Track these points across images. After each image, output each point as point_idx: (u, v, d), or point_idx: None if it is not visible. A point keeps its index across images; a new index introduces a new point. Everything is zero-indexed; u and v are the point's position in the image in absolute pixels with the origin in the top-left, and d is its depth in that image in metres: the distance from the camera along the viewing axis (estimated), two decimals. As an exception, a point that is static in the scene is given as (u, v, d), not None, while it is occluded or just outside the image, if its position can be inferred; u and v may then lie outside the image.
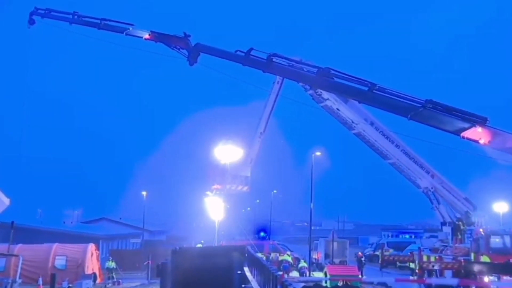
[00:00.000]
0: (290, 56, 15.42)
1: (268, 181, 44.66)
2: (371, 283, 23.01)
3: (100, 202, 77.24)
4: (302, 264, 26.88)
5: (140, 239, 42.87)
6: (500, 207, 28.08)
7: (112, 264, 27.25)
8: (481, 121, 11.73)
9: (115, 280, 26.63)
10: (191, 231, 44.18)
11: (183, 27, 17.27)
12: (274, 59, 14.62)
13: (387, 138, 22.50)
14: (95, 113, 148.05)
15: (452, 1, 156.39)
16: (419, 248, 23.66)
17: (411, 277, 20.92)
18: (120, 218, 49.99)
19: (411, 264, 24.59)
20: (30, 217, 38.66)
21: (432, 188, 23.29)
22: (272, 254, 29.91)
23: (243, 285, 13.88)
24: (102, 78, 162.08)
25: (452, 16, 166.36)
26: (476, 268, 19.19)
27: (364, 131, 22.24)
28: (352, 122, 22.05)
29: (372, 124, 22.13)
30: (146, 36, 17.85)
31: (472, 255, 20.41)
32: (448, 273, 20.76)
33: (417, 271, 21.31)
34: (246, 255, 16.28)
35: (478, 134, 11.71)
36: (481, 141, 11.77)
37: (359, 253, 30.37)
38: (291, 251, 32.90)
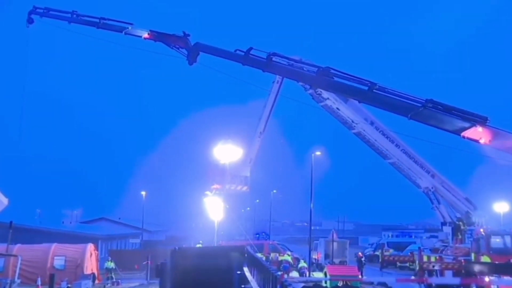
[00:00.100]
0: (290, 56, 15.38)
1: (267, 181, 44.64)
2: (371, 283, 22.95)
3: (99, 202, 77.24)
4: (302, 264, 26.81)
5: (139, 239, 42.82)
6: (500, 207, 28.04)
7: (111, 265, 27.17)
8: (481, 120, 11.70)
9: (114, 280, 26.57)
10: (190, 231, 44.15)
11: (183, 27, 17.22)
12: (273, 59, 14.57)
13: (387, 137, 22.43)
14: (95, 113, 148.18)
15: (452, 2, 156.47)
16: (419, 248, 23.58)
17: (412, 277, 20.84)
18: (119, 218, 49.93)
19: (411, 264, 24.56)
20: (29, 217, 38.61)
21: (432, 188, 23.22)
22: (272, 254, 29.86)
23: (242, 286, 13.83)
24: (102, 78, 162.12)
25: (453, 16, 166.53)
26: (477, 268, 19.14)
27: (364, 130, 22.17)
28: (352, 121, 21.98)
29: (372, 123, 22.06)
30: (145, 35, 17.77)
31: (473, 255, 20.36)
32: (448, 273, 20.70)
33: (417, 271, 21.25)
34: (246, 255, 16.22)
35: (478, 133, 11.68)
36: (482, 141, 11.74)
37: (359, 253, 30.29)
38: (290, 251, 32.83)
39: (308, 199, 29.62)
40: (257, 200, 59.88)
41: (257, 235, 38.56)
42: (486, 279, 18.41)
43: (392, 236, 51.88)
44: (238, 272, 14.48)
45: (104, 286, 25.77)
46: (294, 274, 24.18)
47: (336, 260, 28.87)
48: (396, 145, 22.61)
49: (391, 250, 36.27)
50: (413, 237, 45.00)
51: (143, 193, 46.22)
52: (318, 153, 29.86)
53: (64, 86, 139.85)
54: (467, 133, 11.74)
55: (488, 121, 11.70)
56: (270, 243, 34.04)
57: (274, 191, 56.67)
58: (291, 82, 19.07)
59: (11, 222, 19.07)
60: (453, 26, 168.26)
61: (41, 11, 20.16)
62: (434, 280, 20.20)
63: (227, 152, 22.29)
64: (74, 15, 19.12)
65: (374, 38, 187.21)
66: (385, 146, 22.62)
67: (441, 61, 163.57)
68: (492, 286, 17.62)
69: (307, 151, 31.10)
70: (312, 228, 31.39)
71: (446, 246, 23.16)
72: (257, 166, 24.19)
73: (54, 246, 25.88)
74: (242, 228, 32.11)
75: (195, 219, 40.97)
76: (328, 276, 22.08)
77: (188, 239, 40.43)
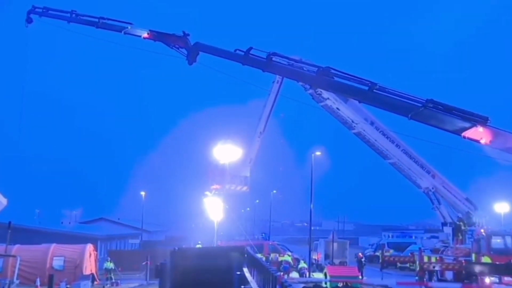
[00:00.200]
0: (290, 55, 15.32)
1: (267, 181, 44.61)
2: (371, 285, 22.82)
3: (99, 202, 77.13)
4: (302, 264, 26.75)
5: (139, 239, 42.73)
6: (501, 207, 27.97)
7: (110, 265, 27.10)
8: (482, 120, 11.65)
9: (113, 281, 26.50)
10: (190, 232, 44.10)
11: (183, 27, 17.11)
12: (273, 58, 14.52)
13: (387, 137, 22.37)
14: (94, 112, 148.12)
15: (452, 2, 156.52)
16: (419, 248, 23.54)
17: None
18: (119, 219, 49.84)
19: (411, 264, 24.46)
20: (28, 218, 38.53)
21: (432, 188, 23.16)
22: (272, 255, 29.80)
23: (242, 286, 13.79)
24: (102, 78, 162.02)
25: (453, 16, 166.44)
26: (477, 269, 19.08)
27: (364, 130, 22.12)
28: (352, 121, 21.93)
29: (372, 123, 22.01)
30: (145, 35, 17.71)
31: (473, 255, 20.31)
32: (449, 273, 20.63)
33: (417, 271, 21.18)
34: (246, 255, 16.16)
35: (479, 133, 11.63)
36: (482, 141, 11.69)
37: (360, 253, 30.23)
38: (290, 251, 32.76)
39: (308, 199, 29.59)
40: (257, 201, 59.90)
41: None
42: (487, 280, 18.35)
43: (392, 236, 51.80)
44: (238, 273, 14.43)
45: (104, 287, 25.68)
46: (294, 274, 24.11)
47: (336, 261, 28.80)
48: (397, 145, 22.55)
49: (391, 251, 36.20)
50: (413, 237, 44.92)
51: (143, 193, 46.17)
52: (318, 153, 29.81)
53: (63, 86, 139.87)
54: (468, 133, 11.69)
55: (488, 121, 11.65)
56: (270, 243, 33.98)
57: (274, 191, 56.70)
58: (291, 82, 19.03)
59: (9, 222, 19.02)
60: (453, 26, 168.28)
61: (40, 10, 20.11)
62: (435, 285, 20.13)
63: (227, 152, 22.23)
64: (73, 15, 19.08)
65: (374, 38, 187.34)
66: (385, 146, 22.57)
67: (441, 61, 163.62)
68: (493, 288, 17.59)
69: (307, 151, 31.07)
70: (312, 228, 31.33)
71: (447, 246, 23.10)
72: (257, 166, 24.15)
73: (53, 246, 25.79)
74: (242, 228, 32.06)
75: (195, 219, 40.95)
76: (328, 277, 22.00)
77: (187, 240, 40.37)
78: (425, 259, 21.39)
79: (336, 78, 13.50)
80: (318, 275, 24.55)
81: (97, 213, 54.30)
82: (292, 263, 27.57)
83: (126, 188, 72.91)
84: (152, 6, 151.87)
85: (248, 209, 62.21)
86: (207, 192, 23.66)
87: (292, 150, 63.51)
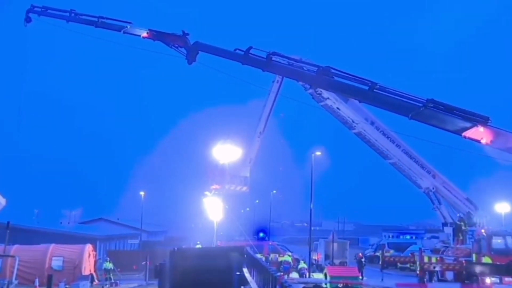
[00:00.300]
0: (290, 55, 15.26)
1: (267, 181, 44.55)
2: (371, 286, 22.73)
3: (98, 202, 76.98)
4: (302, 265, 26.68)
5: (138, 239, 42.61)
6: (502, 207, 27.87)
7: (109, 265, 27.03)
8: (483, 120, 11.60)
9: (112, 281, 26.42)
10: (189, 232, 44.00)
11: (183, 27, 17.02)
12: (273, 58, 14.46)
13: (387, 137, 22.34)
14: (94, 112, 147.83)
15: (453, 2, 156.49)
16: (420, 249, 23.49)
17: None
18: (118, 219, 49.74)
19: (411, 265, 24.36)
20: (26, 218, 38.44)
21: (433, 188, 23.12)
22: (272, 255, 29.74)
23: (242, 286, 13.72)
24: (101, 78, 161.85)
25: (453, 16, 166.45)
26: (478, 269, 19.03)
27: (364, 130, 22.08)
28: (353, 121, 21.89)
29: (372, 123, 21.98)
30: (144, 34, 17.64)
31: (474, 256, 20.25)
32: (449, 274, 20.57)
33: (418, 272, 21.13)
34: (245, 256, 16.10)
35: (480, 133, 11.57)
36: (483, 141, 11.64)
37: (360, 254, 30.16)
38: (290, 252, 32.69)
39: (308, 199, 29.50)
40: (257, 201, 59.80)
41: (257, 235, 37.93)
42: (488, 280, 18.29)
43: (392, 236, 51.73)
44: (238, 273, 14.37)
45: (103, 287, 25.62)
46: (294, 275, 24.05)
47: (336, 261, 28.75)
48: (397, 145, 22.51)
49: (391, 251, 36.14)
50: (413, 237, 44.88)
51: (142, 193, 46.08)
52: (318, 153, 29.74)
53: (62, 86, 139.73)
54: (469, 133, 11.64)
55: (489, 121, 11.60)
56: (270, 243, 33.90)
57: (274, 191, 56.65)
58: (291, 82, 18.97)
59: (8, 223, 18.96)
60: (454, 26, 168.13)
61: (39, 9, 20.05)
62: (435, 286, 20.06)
63: (227, 152, 22.18)
64: (72, 14, 19.02)
65: (374, 38, 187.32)
66: (386, 146, 22.53)
67: (442, 61, 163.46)
68: (493, 289, 17.53)
69: (307, 151, 30.97)
70: (312, 228, 31.26)
71: (447, 246, 23.05)
72: (256, 166, 24.10)
73: (52, 246, 25.72)
74: (241, 228, 31.99)
75: (195, 219, 40.85)
76: (328, 277, 21.93)
77: (187, 240, 40.27)
78: (426, 259, 21.34)
79: (336, 78, 13.44)
80: (318, 276, 24.50)
81: (97, 213, 54.22)
82: (292, 263, 27.51)
83: (126, 188, 72.78)
84: (152, 6, 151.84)
85: (248, 209, 62.15)
86: (206, 192, 23.61)
87: (292, 150, 63.43)
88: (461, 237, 22.55)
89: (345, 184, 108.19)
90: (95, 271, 26.66)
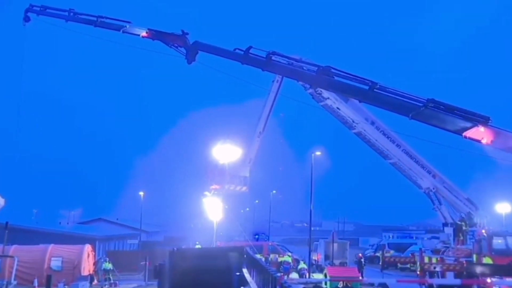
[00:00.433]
0: (290, 55, 15.20)
1: (267, 181, 44.45)
2: (372, 284, 22.75)
3: (97, 203, 76.89)
4: (302, 265, 26.64)
5: (137, 240, 42.52)
6: (502, 207, 27.80)
7: (109, 266, 26.96)
8: (483, 120, 11.57)
9: (111, 281, 26.35)
10: (189, 232, 43.90)
11: (183, 27, 16.97)
12: (273, 58, 14.42)
13: (388, 137, 22.25)
14: (93, 112, 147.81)
15: (454, 2, 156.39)
16: (420, 249, 23.43)
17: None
18: (117, 219, 49.67)
19: (412, 265, 24.30)
20: (25, 218, 38.37)
21: (433, 188, 23.04)
22: (271, 255, 29.67)
23: (242, 287, 13.64)
24: (101, 78, 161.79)
25: (454, 16, 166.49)
26: (479, 269, 18.99)
27: (364, 130, 22.00)
28: (353, 121, 21.81)
29: (372, 123, 21.89)
30: (144, 34, 17.59)
31: (474, 256, 20.19)
32: (449, 274, 20.52)
33: (418, 272, 21.08)
34: (245, 256, 16.04)
35: (480, 133, 11.55)
36: (483, 141, 11.62)
37: (360, 254, 30.11)
38: (290, 252, 32.63)
39: (308, 199, 29.40)
40: (257, 201, 59.76)
41: (256, 236, 38.17)
42: (488, 280, 18.24)
43: (393, 237, 51.70)
44: (237, 274, 14.31)
45: (102, 287, 25.54)
46: (294, 275, 23.99)
47: (336, 261, 28.69)
48: (397, 145, 22.43)
49: (391, 251, 36.11)
50: (414, 238, 44.82)
51: (141, 193, 45.99)
52: (318, 153, 29.65)
53: (61, 86, 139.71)
54: (469, 133, 11.61)
55: (490, 121, 11.57)
56: (270, 244, 33.84)
57: (274, 191, 56.58)
58: (291, 82, 18.91)
59: (7, 223, 18.91)
60: (454, 26, 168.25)
61: (38, 9, 19.99)
62: (435, 281, 20.01)
63: (226, 152, 22.10)
64: (71, 14, 18.97)
65: (374, 38, 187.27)
66: (386, 146, 22.45)
67: (442, 61, 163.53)
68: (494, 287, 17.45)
69: (307, 151, 30.89)
70: (312, 229, 31.16)
71: (448, 247, 22.97)
72: (256, 166, 24.01)
73: (51, 247, 25.64)
74: (241, 229, 31.92)
75: (194, 219, 40.76)
76: (328, 278, 21.88)
77: (186, 240, 40.17)
78: (426, 259, 21.29)
79: (336, 78, 13.39)
80: (318, 276, 24.44)
81: (96, 213, 54.18)
82: (292, 263, 27.45)
83: (125, 188, 72.72)
84: (152, 6, 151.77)
85: (247, 209, 62.08)
86: (206, 192, 23.53)
87: (292, 150, 63.33)
88: (461, 238, 22.47)
89: (345, 184, 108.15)
90: (94, 271, 26.59)
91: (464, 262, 19.96)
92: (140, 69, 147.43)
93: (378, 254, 34.98)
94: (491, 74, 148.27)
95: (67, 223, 43.24)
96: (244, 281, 13.67)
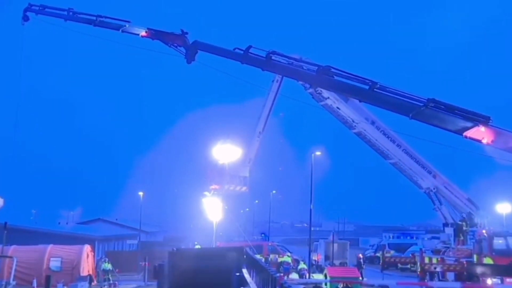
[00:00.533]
0: (290, 54, 15.12)
1: (267, 181, 44.42)
2: (372, 285, 22.67)
3: (97, 203, 76.83)
4: (302, 266, 26.57)
5: (137, 240, 42.46)
6: (503, 208, 27.76)
7: (108, 266, 26.89)
8: (484, 120, 11.47)
9: (111, 282, 26.28)
10: (188, 232, 43.84)
11: (182, 27, 16.89)
12: (273, 57, 14.30)
13: (388, 137, 22.21)
14: (93, 112, 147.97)
15: (456, 2, 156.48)
16: (420, 249, 23.37)
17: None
18: (116, 219, 49.62)
19: (412, 266, 24.23)
20: (24, 218, 38.29)
21: (434, 188, 22.99)
22: (271, 256, 29.61)
23: (241, 287, 13.57)
24: (100, 78, 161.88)
25: (456, 16, 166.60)
26: (479, 270, 18.92)
27: (365, 130, 21.96)
28: (353, 121, 21.77)
29: (373, 123, 21.85)
30: (143, 33, 17.50)
31: (475, 256, 20.13)
32: (450, 275, 20.46)
33: (418, 273, 21.01)
34: (245, 256, 15.98)
35: (481, 133, 11.45)
36: (484, 141, 11.53)
37: (360, 254, 30.06)
38: (290, 252, 32.57)
39: (308, 199, 29.35)
40: (257, 201, 59.69)
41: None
42: (489, 281, 18.17)
43: (393, 237, 51.62)
44: (237, 274, 14.25)
45: (101, 288, 25.50)
46: (294, 275, 23.92)
47: (337, 262, 28.62)
48: (397, 145, 22.38)
49: (392, 252, 36.04)
50: (414, 238, 44.75)
51: (141, 193, 45.93)
52: (318, 153, 29.63)
53: (61, 86, 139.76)
54: (469, 133, 11.51)
55: (490, 121, 11.47)
56: (270, 244, 33.78)
57: (274, 191, 56.53)
58: (291, 81, 18.83)
59: (5, 223, 18.82)
60: (455, 26, 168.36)
61: (37, 8, 19.90)
62: (435, 284, 19.95)
63: (226, 152, 22.04)
64: (70, 13, 18.88)
65: (375, 38, 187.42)
66: (386, 146, 22.40)
67: (443, 61, 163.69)
68: (494, 289, 17.39)
69: (307, 151, 30.87)
70: (312, 229, 31.12)
71: (448, 247, 22.93)
72: (256, 166, 23.97)
73: (50, 247, 25.56)
74: (241, 229, 31.84)
75: (194, 220, 40.70)
76: (328, 278, 21.80)
77: (186, 240, 40.12)
78: (426, 260, 21.22)
79: (336, 77, 13.30)
80: (318, 276, 24.36)
81: (95, 213, 54.10)
82: (291, 264, 27.39)
83: (124, 188, 72.71)
84: (152, 6, 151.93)
85: (247, 209, 62.00)
86: (206, 192, 23.46)
87: (291, 150, 63.38)
88: (462, 238, 22.43)
89: (345, 184, 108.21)
90: (93, 272, 26.51)
91: (465, 262, 19.90)
92: (139, 69, 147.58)
93: (379, 254, 34.90)
94: (492, 74, 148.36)
95: (66, 223, 43.18)
96: (243, 282, 13.60)
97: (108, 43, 19.78)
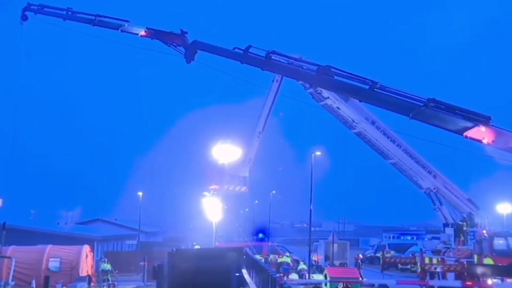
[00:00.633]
0: (289, 54, 15.07)
1: (267, 181, 44.38)
2: (372, 285, 22.62)
3: (96, 203, 76.77)
4: (302, 266, 26.51)
5: (136, 240, 42.40)
6: (503, 208, 27.74)
7: (107, 266, 26.83)
8: (484, 120, 11.41)
9: (110, 282, 26.22)
10: (188, 233, 43.80)
11: (182, 26, 16.84)
12: (273, 57, 14.25)
13: (388, 137, 22.18)
14: (92, 112, 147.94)
15: (457, 2, 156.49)
16: (421, 250, 23.33)
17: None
18: (116, 219, 49.56)
19: (412, 266, 24.20)
20: (23, 218, 38.17)
21: (434, 188, 22.96)
22: (271, 256, 29.55)
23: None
24: (100, 77, 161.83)
25: (457, 16, 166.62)
26: (479, 270, 18.86)
27: (365, 130, 21.92)
28: (353, 121, 21.73)
29: (373, 123, 21.82)
30: (142, 33, 17.46)
31: (475, 257, 20.10)
32: (450, 275, 20.42)
33: (419, 273, 20.96)
34: (244, 257, 15.94)
35: (481, 133, 11.40)
36: (484, 141, 11.47)
37: (359, 255, 30.02)
38: (290, 252, 32.51)
39: (307, 199, 29.30)
40: (256, 201, 59.60)
41: (261, 235, 37.34)
42: (489, 281, 18.13)
43: (393, 237, 51.61)
44: (237, 274, 14.21)
45: (100, 288, 25.44)
46: (294, 276, 23.86)
47: (337, 262, 28.57)
48: (398, 145, 22.34)
49: (392, 252, 36.01)
50: (414, 238, 44.75)
51: (140, 193, 45.88)
52: (318, 153, 29.57)
53: (61, 85, 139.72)
54: (470, 133, 11.46)
55: (491, 121, 11.41)
56: (269, 244, 33.72)
57: (274, 191, 56.46)
58: (290, 81, 18.79)
59: (4, 223, 18.75)
60: (455, 26, 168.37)
61: (36, 8, 19.85)
62: (436, 283, 19.91)
63: (226, 152, 21.99)
64: (69, 12, 18.84)
65: (375, 38, 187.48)
66: (386, 146, 22.37)
67: (443, 61, 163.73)
68: (494, 289, 17.36)
69: (307, 151, 30.82)
70: (312, 229, 31.06)
71: (448, 247, 22.91)
72: (256, 166, 23.93)
73: (49, 247, 25.49)
74: (240, 229, 31.79)
75: (193, 220, 40.65)
76: (328, 278, 21.75)
77: (186, 241, 40.07)
78: (427, 260, 21.19)
79: (336, 77, 13.25)
80: (318, 277, 24.29)
81: (94, 213, 54.04)
82: (291, 264, 27.32)
83: (124, 188, 72.67)
84: (152, 5, 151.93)
85: (247, 209, 61.95)
86: (205, 193, 23.42)
87: (291, 150, 63.35)
88: (462, 238, 22.39)
89: (345, 184, 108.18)
90: (92, 272, 26.45)
91: (465, 262, 19.84)
92: (139, 69, 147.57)
93: (379, 254, 34.90)
94: (492, 74, 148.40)
95: (66, 224, 43.07)
96: (243, 282, 13.56)
97: (107, 42, 19.76)
